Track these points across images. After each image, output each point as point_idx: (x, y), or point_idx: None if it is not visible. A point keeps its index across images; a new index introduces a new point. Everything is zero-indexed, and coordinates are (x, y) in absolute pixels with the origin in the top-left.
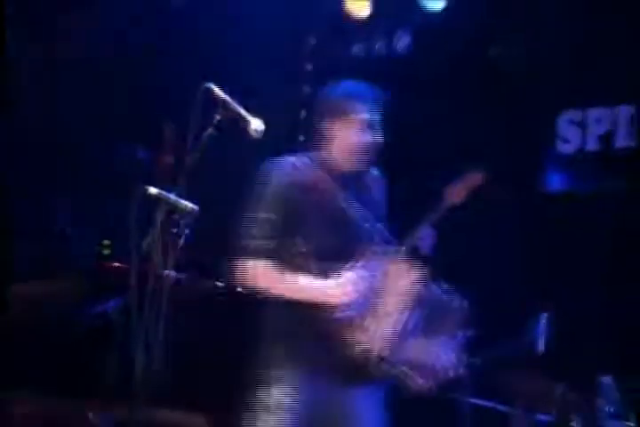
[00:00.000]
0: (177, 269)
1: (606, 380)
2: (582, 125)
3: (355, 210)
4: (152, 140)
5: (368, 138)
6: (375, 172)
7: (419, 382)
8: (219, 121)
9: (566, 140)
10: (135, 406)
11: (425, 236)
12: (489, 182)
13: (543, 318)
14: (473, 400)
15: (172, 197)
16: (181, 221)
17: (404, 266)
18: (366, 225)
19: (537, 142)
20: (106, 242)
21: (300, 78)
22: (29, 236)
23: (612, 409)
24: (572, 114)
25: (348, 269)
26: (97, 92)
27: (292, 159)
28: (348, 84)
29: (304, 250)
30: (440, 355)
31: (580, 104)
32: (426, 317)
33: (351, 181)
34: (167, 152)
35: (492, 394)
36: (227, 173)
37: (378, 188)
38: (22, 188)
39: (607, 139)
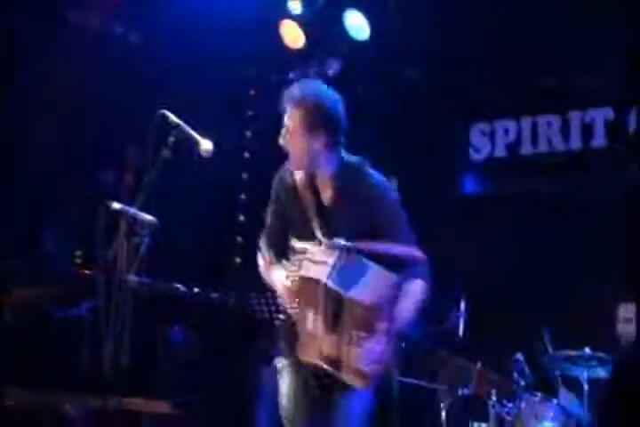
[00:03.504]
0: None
1: (518, 357)
2: (491, 136)
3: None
4: (116, 161)
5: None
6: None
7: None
8: (173, 142)
9: (477, 149)
10: (105, 395)
11: None
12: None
13: (462, 306)
14: (402, 379)
15: (133, 210)
16: (141, 232)
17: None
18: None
19: (453, 151)
20: (78, 252)
21: (244, 102)
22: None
23: (523, 382)
24: (482, 126)
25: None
26: (68, 120)
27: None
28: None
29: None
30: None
31: (489, 117)
32: None
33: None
34: (129, 171)
35: (419, 373)
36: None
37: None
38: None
39: (513, 147)
